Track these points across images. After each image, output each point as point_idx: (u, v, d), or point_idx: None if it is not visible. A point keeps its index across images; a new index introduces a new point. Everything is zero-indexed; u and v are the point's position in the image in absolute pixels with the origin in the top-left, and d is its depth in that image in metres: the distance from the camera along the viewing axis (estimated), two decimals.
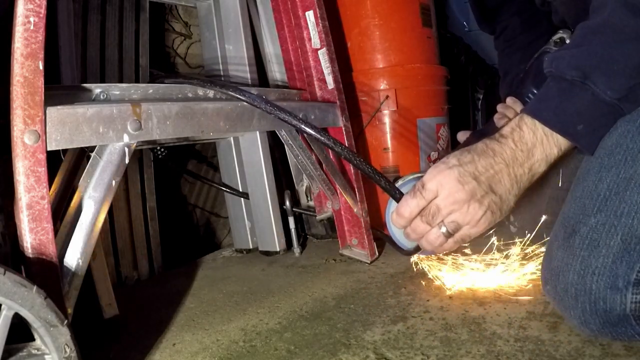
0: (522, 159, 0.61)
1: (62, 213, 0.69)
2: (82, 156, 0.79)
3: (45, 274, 0.58)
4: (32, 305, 0.49)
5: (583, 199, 0.63)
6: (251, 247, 1.25)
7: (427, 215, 0.63)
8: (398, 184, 0.72)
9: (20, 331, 0.51)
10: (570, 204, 0.66)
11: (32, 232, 0.57)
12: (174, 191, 1.39)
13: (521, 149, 0.61)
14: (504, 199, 0.62)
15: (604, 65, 0.58)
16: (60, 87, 0.79)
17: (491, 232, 0.82)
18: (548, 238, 0.69)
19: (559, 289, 0.62)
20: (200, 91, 0.89)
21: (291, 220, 1.21)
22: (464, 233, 0.63)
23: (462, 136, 1.03)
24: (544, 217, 0.99)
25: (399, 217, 0.64)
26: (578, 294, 0.59)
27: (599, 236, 0.59)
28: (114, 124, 0.66)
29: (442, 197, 0.62)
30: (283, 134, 0.97)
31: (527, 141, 0.61)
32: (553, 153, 0.62)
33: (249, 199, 1.20)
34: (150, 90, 0.78)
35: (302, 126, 0.67)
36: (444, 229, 0.63)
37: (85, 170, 0.67)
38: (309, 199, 1.26)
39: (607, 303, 0.57)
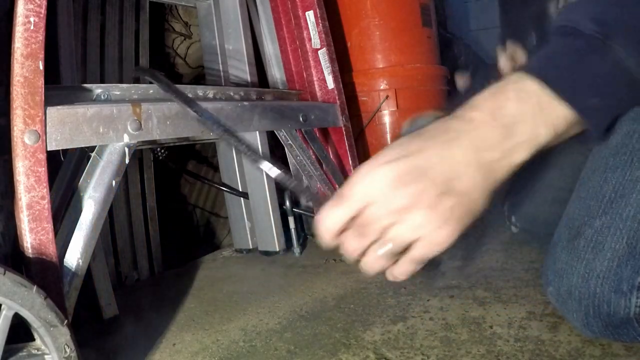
0: (496, 138, 0.43)
1: (62, 213, 0.69)
2: (82, 156, 0.79)
3: (45, 274, 0.58)
4: (32, 305, 0.49)
5: (588, 200, 0.62)
6: (251, 247, 1.25)
7: (361, 227, 0.43)
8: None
9: (20, 331, 0.51)
10: (574, 204, 0.65)
11: (32, 232, 0.57)
12: (174, 191, 1.39)
13: (501, 124, 0.43)
14: (471, 197, 0.43)
15: (634, 23, 0.43)
16: (60, 87, 0.79)
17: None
18: None
19: (562, 291, 0.61)
20: (200, 91, 0.90)
21: (291, 220, 1.21)
22: (419, 252, 0.43)
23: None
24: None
25: (322, 230, 0.45)
26: (582, 296, 0.59)
27: (604, 239, 0.58)
28: (114, 124, 0.66)
29: (376, 205, 0.42)
30: (283, 134, 0.97)
31: (508, 113, 0.43)
32: (542, 135, 0.43)
33: (248, 199, 1.20)
34: (151, 91, 0.78)
35: (259, 164, 0.59)
36: (386, 248, 0.43)
37: (85, 171, 0.67)
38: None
39: (611, 306, 0.57)
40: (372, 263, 0.45)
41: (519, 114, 0.43)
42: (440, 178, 0.42)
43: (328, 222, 0.44)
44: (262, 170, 0.52)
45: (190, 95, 0.87)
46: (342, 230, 0.44)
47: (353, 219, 0.43)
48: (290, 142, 0.99)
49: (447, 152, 0.43)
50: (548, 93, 0.43)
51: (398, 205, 0.42)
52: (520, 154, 0.44)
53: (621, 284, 0.56)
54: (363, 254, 0.45)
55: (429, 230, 0.42)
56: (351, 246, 0.44)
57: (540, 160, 1.00)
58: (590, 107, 0.44)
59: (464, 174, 0.43)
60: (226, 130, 0.58)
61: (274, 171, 0.51)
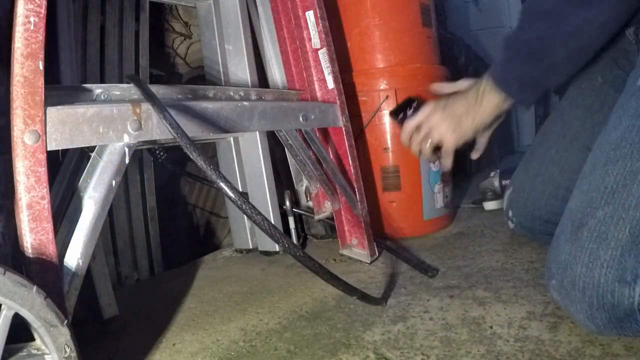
0: (474, 108, 0.85)
1: (62, 213, 0.69)
2: (82, 156, 0.79)
3: (45, 274, 0.58)
4: (32, 305, 0.49)
5: (590, 192, 0.63)
6: (251, 247, 1.25)
7: (418, 131, 0.91)
8: None
9: (20, 331, 0.51)
10: (576, 197, 0.66)
11: (32, 232, 0.57)
12: (174, 191, 1.39)
13: (480, 101, 0.84)
14: (467, 128, 0.86)
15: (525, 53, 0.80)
16: (60, 87, 0.79)
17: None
18: None
19: (566, 282, 0.61)
20: (200, 91, 0.90)
21: (291, 220, 1.21)
22: (445, 144, 0.89)
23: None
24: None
25: (404, 132, 0.94)
26: (586, 286, 0.59)
27: (607, 229, 0.59)
28: (114, 124, 0.66)
29: (426, 123, 0.90)
30: (283, 134, 0.97)
31: (483, 94, 0.83)
32: (495, 101, 0.83)
33: (248, 199, 1.20)
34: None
35: (221, 185, 0.62)
36: (429, 142, 0.90)
37: (85, 171, 0.67)
38: (308, 199, 1.26)
39: (615, 296, 0.57)
40: (424, 152, 0.92)
41: (486, 93, 0.83)
42: (456, 119, 0.86)
43: (406, 128, 0.93)
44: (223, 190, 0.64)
45: (189, 95, 0.87)
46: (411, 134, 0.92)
47: (417, 127, 0.91)
48: (290, 142, 0.99)
49: (459, 110, 0.86)
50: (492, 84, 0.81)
51: (436, 124, 0.88)
52: (488, 116, 0.85)
53: (625, 273, 0.57)
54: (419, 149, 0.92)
55: (448, 135, 0.87)
56: (414, 140, 0.92)
57: (542, 157, 1.04)
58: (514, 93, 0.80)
59: (464, 120, 0.85)
60: (191, 144, 0.63)
61: (231, 193, 0.63)
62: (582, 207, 0.63)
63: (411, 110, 0.97)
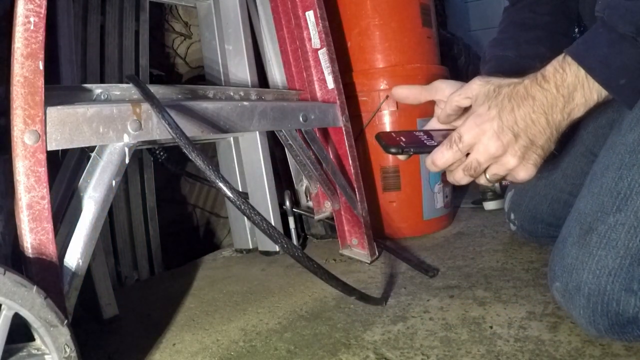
0: (562, 104, 0.58)
1: (62, 213, 0.69)
2: (82, 156, 0.79)
3: (45, 274, 0.58)
4: (32, 305, 0.49)
5: (601, 195, 0.62)
6: (251, 247, 1.25)
7: (470, 170, 0.63)
8: None
9: (20, 331, 0.51)
10: (586, 199, 0.65)
11: (32, 232, 0.57)
12: (174, 191, 1.39)
13: (562, 94, 0.58)
14: (545, 148, 0.61)
15: None
16: (60, 87, 0.79)
17: None
18: None
19: (571, 286, 0.61)
20: (200, 91, 0.90)
21: (291, 220, 1.21)
22: (509, 178, 0.64)
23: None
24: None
25: (433, 165, 0.64)
26: (591, 293, 0.59)
27: (617, 236, 0.58)
28: (114, 124, 0.66)
29: (479, 151, 0.61)
30: (283, 134, 0.97)
31: (569, 84, 0.57)
32: (593, 98, 0.58)
33: (248, 199, 1.20)
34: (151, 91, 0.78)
35: (220, 185, 0.62)
36: (488, 177, 0.64)
37: (85, 171, 0.67)
38: (308, 199, 1.26)
39: (621, 305, 0.57)
40: (482, 183, 0.65)
41: (574, 85, 0.57)
42: (525, 135, 0.59)
43: (441, 159, 0.62)
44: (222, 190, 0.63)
45: (189, 95, 0.87)
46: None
47: (461, 160, 0.62)
48: (290, 142, 0.99)
49: (527, 115, 0.59)
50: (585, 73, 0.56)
51: (495, 154, 0.60)
52: (578, 113, 0.59)
53: (632, 282, 0.56)
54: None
55: (516, 169, 0.61)
56: (463, 179, 0.64)
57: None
58: (619, 86, 0.56)
59: (539, 132, 0.59)
60: (193, 149, 0.63)
61: (229, 193, 0.62)
62: (593, 211, 0.62)
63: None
